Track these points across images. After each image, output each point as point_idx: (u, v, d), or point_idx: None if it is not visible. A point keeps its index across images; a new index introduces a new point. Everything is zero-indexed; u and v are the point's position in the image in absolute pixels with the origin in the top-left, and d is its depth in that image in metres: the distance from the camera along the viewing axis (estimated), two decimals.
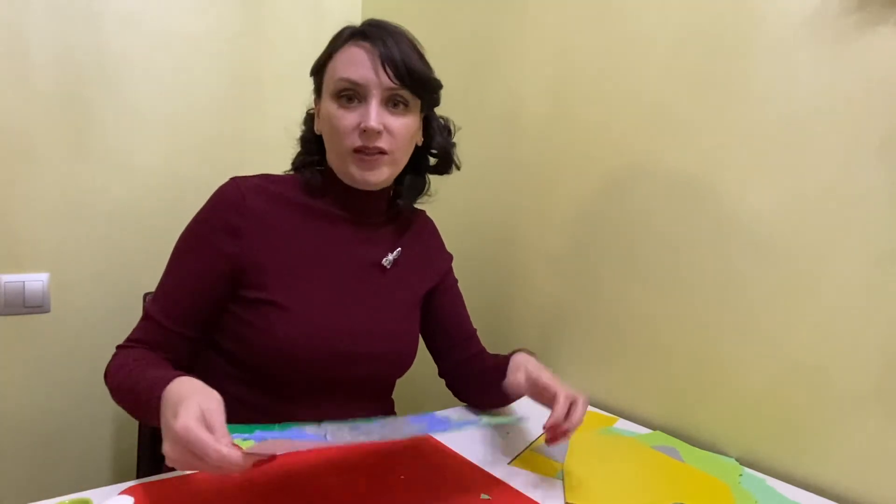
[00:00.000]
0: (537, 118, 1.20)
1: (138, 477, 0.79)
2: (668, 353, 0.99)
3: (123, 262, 1.33)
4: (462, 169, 0.96)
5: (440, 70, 0.87)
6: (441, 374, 1.02)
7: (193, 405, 0.58)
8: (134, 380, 0.72)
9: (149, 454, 1.06)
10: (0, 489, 1.24)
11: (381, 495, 0.71)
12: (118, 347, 0.82)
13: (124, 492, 0.67)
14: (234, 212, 0.82)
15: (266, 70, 1.49)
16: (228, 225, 0.81)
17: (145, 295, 1.14)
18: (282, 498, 0.68)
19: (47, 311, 1.27)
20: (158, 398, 0.63)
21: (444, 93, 0.89)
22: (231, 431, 0.58)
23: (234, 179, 0.85)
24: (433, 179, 0.98)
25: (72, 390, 1.30)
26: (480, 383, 0.95)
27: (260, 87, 1.48)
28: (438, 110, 0.94)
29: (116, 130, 1.31)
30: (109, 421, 1.35)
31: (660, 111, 0.99)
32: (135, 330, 0.83)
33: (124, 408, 0.76)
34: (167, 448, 0.58)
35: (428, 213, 1.06)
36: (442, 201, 0.97)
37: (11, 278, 1.23)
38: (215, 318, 0.84)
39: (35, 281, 1.24)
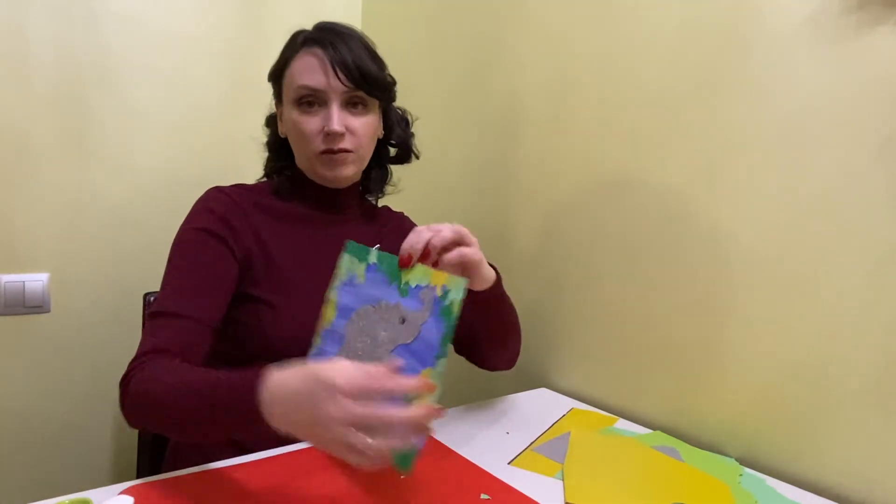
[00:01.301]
0: (536, 118, 1.19)
1: (138, 477, 0.79)
2: (668, 353, 0.99)
3: (123, 262, 1.33)
4: (461, 168, 0.96)
5: (440, 69, 0.87)
6: (457, 351, 0.98)
7: (331, 371, 0.53)
8: (199, 387, 0.63)
9: (149, 454, 1.06)
10: (0, 489, 1.24)
11: (381, 495, 0.71)
12: (138, 363, 0.72)
13: (124, 492, 0.67)
14: (227, 209, 0.86)
15: (266, 70, 1.48)
16: (225, 221, 0.85)
17: (145, 295, 1.14)
18: (281, 497, 0.68)
19: (47, 311, 1.26)
20: (253, 407, 0.57)
21: (444, 91, 0.90)
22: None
23: (214, 188, 0.89)
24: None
25: (72, 390, 1.30)
26: (483, 334, 0.92)
27: (260, 87, 1.48)
28: (443, 106, 0.94)
29: (116, 131, 1.31)
30: (109, 421, 1.35)
31: (660, 110, 0.99)
32: (154, 336, 0.75)
33: (167, 422, 0.68)
34: (357, 450, 0.52)
35: (428, 212, 1.06)
36: (440, 200, 0.98)
37: (11, 278, 1.23)
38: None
39: (35, 281, 1.24)
